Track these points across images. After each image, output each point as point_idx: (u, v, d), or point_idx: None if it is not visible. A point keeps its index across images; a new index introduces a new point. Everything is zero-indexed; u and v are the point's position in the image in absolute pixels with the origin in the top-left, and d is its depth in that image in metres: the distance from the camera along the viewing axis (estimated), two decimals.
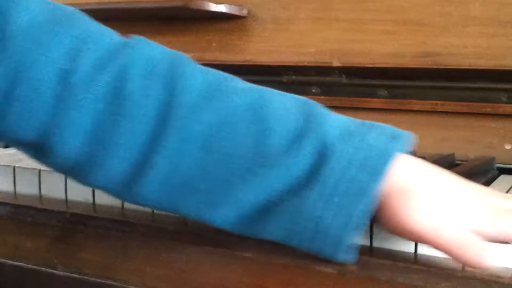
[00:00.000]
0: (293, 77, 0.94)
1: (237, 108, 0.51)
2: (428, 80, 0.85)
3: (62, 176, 0.71)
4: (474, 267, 0.49)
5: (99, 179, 0.54)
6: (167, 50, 0.56)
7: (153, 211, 0.66)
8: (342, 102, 0.91)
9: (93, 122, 0.52)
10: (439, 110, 0.85)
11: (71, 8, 0.57)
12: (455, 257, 0.49)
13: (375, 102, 0.89)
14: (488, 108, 0.82)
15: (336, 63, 0.89)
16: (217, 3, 0.94)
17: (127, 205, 0.67)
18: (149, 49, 0.54)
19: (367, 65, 0.87)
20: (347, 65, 0.88)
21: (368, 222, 0.52)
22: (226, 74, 0.55)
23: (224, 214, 0.53)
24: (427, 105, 0.85)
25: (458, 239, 0.49)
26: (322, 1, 0.91)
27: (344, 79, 0.90)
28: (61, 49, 0.53)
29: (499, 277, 0.48)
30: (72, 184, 0.70)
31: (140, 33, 1.04)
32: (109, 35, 0.55)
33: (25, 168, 0.74)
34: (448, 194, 0.50)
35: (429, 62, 0.83)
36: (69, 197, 0.71)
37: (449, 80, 0.84)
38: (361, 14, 0.88)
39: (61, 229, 0.67)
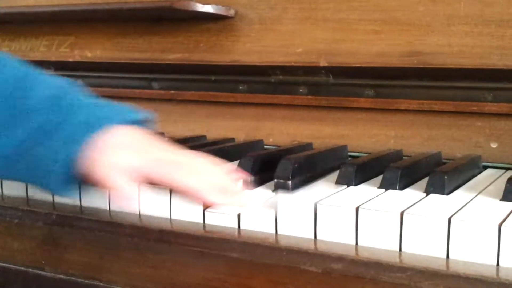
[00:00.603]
0: (281, 77, 0.94)
1: (7, 78, 0.65)
2: (414, 79, 0.85)
3: None
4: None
5: None
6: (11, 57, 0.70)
7: (139, 214, 0.66)
8: (330, 101, 0.91)
9: None
10: (425, 109, 0.85)
11: None
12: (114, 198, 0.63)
13: (362, 102, 0.88)
14: (474, 107, 0.82)
15: (323, 63, 0.89)
16: (204, 3, 0.94)
17: (113, 206, 0.67)
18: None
19: (354, 65, 0.86)
20: (334, 65, 0.88)
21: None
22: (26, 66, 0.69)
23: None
24: (413, 104, 0.85)
25: (112, 181, 0.61)
26: (309, 1, 0.91)
27: (331, 79, 0.90)
28: None
29: (482, 275, 0.49)
30: None
31: (128, 34, 1.05)
32: None
33: None
34: (129, 150, 0.63)
35: (415, 61, 0.82)
36: (56, 199, 0.71)
37: (435, 80, 0.83)
38: (348, 14, 0.88)
39: (48, 230, 0.67)
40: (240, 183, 0.67)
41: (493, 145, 0.82)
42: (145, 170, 0.62)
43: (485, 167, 0.80)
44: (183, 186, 0.62)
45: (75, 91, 0.68)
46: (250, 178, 0.70)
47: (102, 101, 0.68)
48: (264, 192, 0.68)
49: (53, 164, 0.62)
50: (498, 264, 0.51)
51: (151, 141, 0.66)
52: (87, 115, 0.64)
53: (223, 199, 0.62)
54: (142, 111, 0.68)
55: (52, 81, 0.68)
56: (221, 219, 0.61)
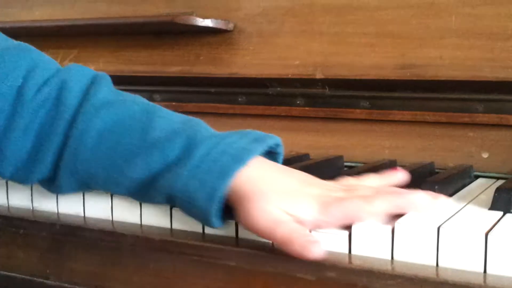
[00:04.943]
0: (278, 89, 0.95)
1: (132, 112, 0.64)
2: (408, 91, 0.86)
3: None
4: (307, 259, 0.54)
5: (38, 176, 0.66)
6: (93, 71, 0.69)
7: (141, 224, 0.67)
8: (326, 113, 0.92)
9: (38, 126, 0.65)
10: (419, 120, 0.86)
11: (20, 42, 0.70)
12: (289, 252, 0.55)
13: (357, 113, 0.90)
14: (466, 118, 0.83)
15: (319, 75, 0.90)
16: (204, 17, 0.95)
17: (116, 216, 0.69)
18: (81, 71, 0.67)
19: (349, 77, 0.88)
20: (330, 77, 0.89)
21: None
22: (134, 95, 0.68)
23: (122, 190, 0.64)
24: (407, 115, 0.87)
25: (287, 235, 0.55)
26: (306, 15, 0.92)
27: (327, 91, 0.92)
28: (18, 70, 0.65)
29: (470, 282, 0.50)
30: (63, 197, 0.72)
31: (130, 48, 1.07)
32: (53, 62, 0.69)
33: None
34: (279, 193, 0.58)
35: (408, 73, 0.84)
36: (60, 210, 0.73)
37: (428, 91, 0.85)
38: (343, 27, 0.89)
39: (52, 240, 0.68)
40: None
41: (485, 155, 0.83)
42: (324, 219, 0.57)
43: (477, 177, 0.82)
44: (374, 214, 0.58)
45: (201, 125, 0.64)
46: None
47: (230, 132, 0.63)
48: None
49: (198, 199, 0.58)
50: (485, 271, 0.52)
51: (303, 176, 0.62)
52: (225, 148, 0.60)
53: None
54: (274, 136, 0.64)
55: (175, 116, 0.65)
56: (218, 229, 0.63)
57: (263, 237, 0.57)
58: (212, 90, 1.02)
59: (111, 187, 0.64)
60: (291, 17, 0.93)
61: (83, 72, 0.67)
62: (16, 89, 0.64)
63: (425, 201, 0.60)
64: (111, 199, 0.69)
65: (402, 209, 0.59)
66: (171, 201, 0.62)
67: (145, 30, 1.04)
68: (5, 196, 0.76)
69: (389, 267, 0.54)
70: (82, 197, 0.71)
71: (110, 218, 0.69)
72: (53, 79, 0.66)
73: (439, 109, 0.85)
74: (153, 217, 0.67)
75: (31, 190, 0.74)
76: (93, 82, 0.66)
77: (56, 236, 0.68)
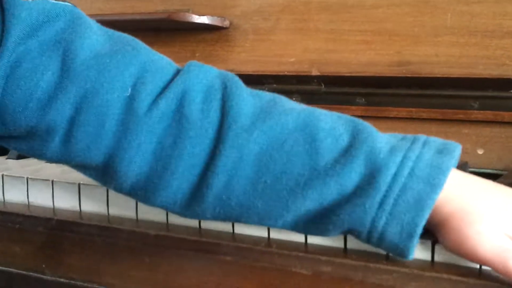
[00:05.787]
0: (274, 85, 0.95)
1: (287, 129, 0.53)
2: (403, 88, 0.86)
3: (50, 184, 0.73)
4: None
5: (162, 200, 0.57)
6: (219, 72, 0.59)
7: (137, 218, 0.68)
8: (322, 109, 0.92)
9: (156, 145, 0.55)
10: (414, 117, 0.86)
11: (129, 36, 0.60)
12: None
13: (353, 110, 0.90)
14: (460, 114, 0.84)
15: (315, 72, 0.90)
16: (200, 14, 0.96)
17: (112, 211, 0.69)
18: (203, 74, 0.57)
19: (345, 74, 0.88)
20: (326, 74, 0.90)
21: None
22: (273, 95, 0.58)
23: (282, 223, 0.55)
24: (402, 112, 0.87)
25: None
26: (302, 12, 0.92)
27: (323, 88, 0.92)
28: (124, 77, 0.56)
29: (464, 277, 0.51)
30: (59, 192, 0.72)
31: None
32: (167, 63, 0.59)
33: (13, 176, 0.76)
34: (497, 213, 0.50)
35: (403, 70, 0.84)
36: (56, 205, 0.73)
37: (423, 88, 0.85)
38: (339, 25, 0.90)
39: (48, 235, 0.68)
40: None
41: (480, 152, 0.84)
42: None
43: (472, 173, 0.82)
44: None
45: (369, 132, 0.54)
46: None
47: (403, 139, 0.54)
48: None
49: (392, 234, 0.50)
50: (480, 266, 0.52)
51: (499, 187, 0.53)
52: (414, 165, 0.50)
53: None
54: (452, 142, 0.54)
55: (335, 119, 0.55)
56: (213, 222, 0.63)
57: (487, 265, 0.50)
58: None
59: (269, 221, 0.55)
60: (287, 14, 0.94)
61: (205, 74, 0.57)
62: (125, 100, 0.55)
63: None
64: (107, 193, 0.69)
65: None
66: (350, 233, 0.54)
67: (142, 27, 1.04)
68: (1, 191, 0.76)
69: (384, 262, 0.54)
70: (77, 192, 0.71)
71: (106, 213, 0.69)
72: (171, 88, 0.56)
73: (434, 106, 0.85)
74: (149, 212, 0.67)
75: (27, 185, 0.74)
76: (225, 90, 0.56)
77: (52, 231, 0.68)
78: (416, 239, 0.50)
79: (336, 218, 0.52)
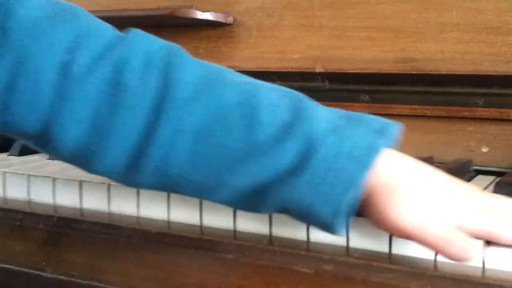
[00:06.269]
0: (278, 82, 0.94)
1: (229, 102, 0.53)
2: (407, 85, 0.86)
3: (51, 181, 0.73)
4: (460, 261, 0.51)
5: (100, 168, 0.56)
6: (164, 42, 0.57)
7: (138, 216, 0.67)
8: (326, 106, 0.92)
9: (93, 113, 0.54)
10: (418, 114, 0.86)
11: (71, 4, 0.59)
12: (442, 253, 0.51)
13: (357, 107, 0.90)
14: (465, 112, 0.83)
15: (319, 69, 0.90)
16: (203, 11, 0.95)
17: (113, 209, 0.69)
18: (146, 42, 0.56)
19: (349, 71, 0.88)
20: (330, 70, 0.90)
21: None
22: (219, 67, 0.57)
23: (219, 197, 0.56)
24: (406, 109, 0.87)
25: (444, 235, 0.50)
26: (305, 8, 0.92)
27: (327, 84, 0.92)
28: (61, 42, 0.55)
29: (468, 276, 0.50)
30: (60, 189, 0.72)
31: None
32: (107, 29, 0.57)
33: (14, 173, 0.76)
34: (434, 190, 0.52)
35: (408, 67, 0.84)
36: (57, 202, 0.73)
37: (427, 85, 0.85)
38: (343, 21, 0.89)
39: (49, 232, 0.68)
40: None
41: (484, 149, 0.83)
42: (466, 225, 0.51)
43: (477, 171, 0.82)
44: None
45: (308, 103, 0.55)
46: None
47: (343, 115, 0.55)
48: None
49: (321, 207, 0.51)
50: (483, 265, 0.52)
51: (443, 175, 0.54)
52: (347, 141, 0.51)
53: None
54: (394, 122, 0.56)
55: (278, 91, 0.55)
56: (216, 219, 0.63)
57: (407, 234, 0.51)
58: None
59: (207, 195, 0.56)
60: (290, 11, 0.93)
61: (147, 43, 0.56)
62: (61, 66, 0.54)
63: None
64: (108, 190, 0.69)
65: None
66: (284, 212, 0.55)
67: (145, 23, 1.04)
68: (2, 188, 0.76)
69: (387, 261, 0.54)
70: (79, 189, 0.71)
71: (107, 210, 0.69)
72: (110, 54, 0.54)
73: (439, 103, 0.85)
74: (150, 209, 0.67)
75: (28, 181, 0.74)
76: (168, 60, 0.55)
77: (53, 228, 0.68)
78: (343, 217, 0.51)
79: (271, 196, 0.53)
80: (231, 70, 0.57)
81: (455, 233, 0.50)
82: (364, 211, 0.53)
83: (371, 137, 0.52)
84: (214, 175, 0.53)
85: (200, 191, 0.56)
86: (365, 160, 0.51)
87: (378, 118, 0.55)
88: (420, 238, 0.51)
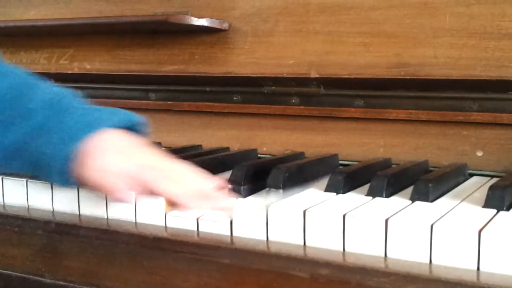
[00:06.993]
0: (273, 88, 0.95)
1: (10, 85, 0.69)
2: (402, 90, 0.86)
3: (49, 187, 0.73)
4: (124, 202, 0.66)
5: None
6: None
7: (135, 222, 0.68)
8: (321, 112, 0.93)
9: None
10: (413, 118, 0.87)
11: None
12: (112, 197, 0.66)
13: (352, 112, 0.90)
14: (460, 116, 0.84)
15: (314, 74, 0.91)
16: (198, 17, 0.96)
17: (110, 214, 0.69)
18: None
19: (344, 76, 0.88)
20: (324, 76, 0.90)
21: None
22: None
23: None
24: (402, 114, 0.87)
25: (112, 184, 0.64)
26: (300, 14, 0.92)
27: (322, 90, 0.92)
28: None
29: (463, 280, 0.51)
30: (58, 195, 0.72)
31: (125, 47, 1.07)
32: None
33: (13, 179, 0.76)
34: (117, 154, 0.66)
35: (402, 72, 0.84)
36: (55, 208, 0.73)
37: (422, 90, 0.85)
38: (338, 27, 0.90)
39: (48, 238, 0.69)
40: (225, 190, 0.69)
41: (479, 153, 0.84)
42: (130, 174, 0.64)
43: (471, 175, 0.82)
44: (164, 192, 0.64)
45: (72, 97, 0.71)
46: (243, 186, 0.72)
47: (98, 106, 0.71)
48: (257, 200, 0.70)
49: (53, 159, 0.66)
50: (478, 268, 0.53)
51: (140, 146, 0.68)
52: (82, 117, 0.68)
53: (201, 204, 0.65)
54: (135, 115, 0.71)
55: (51, 87, 0.72)
56: (214, 227, 0.64)
57: (94, 185, 0.65)
58: (207, 89, 1.02)
59: None
60: (285, 17, 0.94)
61: None
62: None
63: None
64: (106, 197, 0.69)
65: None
66: (33, 169, 0.68)
67: (140, 29, 1.05)
68: (1, 193, 0.76)
69: (382, 265, 0.54)
70: (77, 195, 0.71)
71: (105, 216, 0.70)
72: None
73: (433, 107, 0.85)
74: (148, 215, 0.67)
75: (26, 188, 0.75)
76: None
77: (51, 234, 0.68)
78: (59, 162, 0.65)
79: (24, 152, 0.67)
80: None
81: (114, 182, 0.64)
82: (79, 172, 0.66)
83: (103, 114, 0.69)
84: None
85: None
86: (91, 124, 0.67)
87: (125, 110, 0.71)
88: (100, 187, 0.65)
